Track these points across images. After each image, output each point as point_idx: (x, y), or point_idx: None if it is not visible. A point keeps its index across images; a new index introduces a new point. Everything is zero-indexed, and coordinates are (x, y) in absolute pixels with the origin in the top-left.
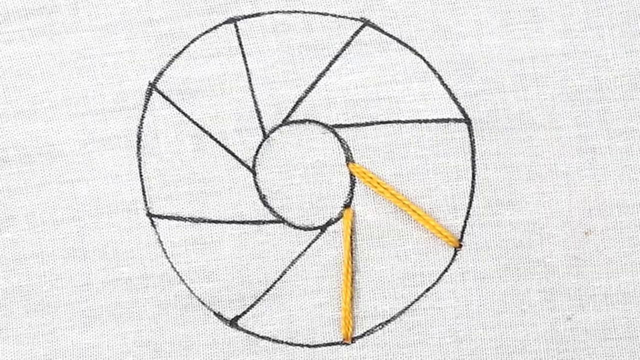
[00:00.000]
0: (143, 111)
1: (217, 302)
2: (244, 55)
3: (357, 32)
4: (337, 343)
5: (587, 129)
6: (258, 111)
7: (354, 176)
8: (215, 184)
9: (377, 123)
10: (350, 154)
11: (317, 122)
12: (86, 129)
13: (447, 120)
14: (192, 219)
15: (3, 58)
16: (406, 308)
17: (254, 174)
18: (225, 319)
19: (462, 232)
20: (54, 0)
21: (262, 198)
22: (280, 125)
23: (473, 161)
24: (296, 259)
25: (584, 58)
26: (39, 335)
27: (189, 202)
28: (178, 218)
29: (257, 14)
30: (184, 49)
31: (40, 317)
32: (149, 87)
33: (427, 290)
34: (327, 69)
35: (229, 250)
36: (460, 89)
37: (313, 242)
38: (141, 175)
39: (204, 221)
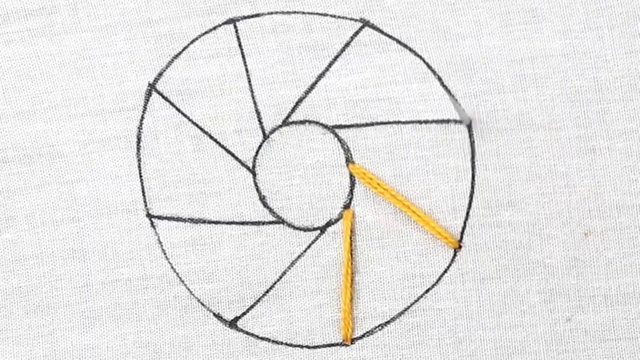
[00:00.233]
0: (143, 112)
1: (217, 303)
2: (243, 56)
3: (356, 33)
4: (337, 344)
5: (587, 129)
6: (258, 112)
7: (354, 177)
8: (215, 185)
9: (377, 124)
10: (350, 154)
11: (316, 122)
12: (86, 129)
13: (447, 121)
14: (191, 220)
15: (3, 59)
16: (406, 309)
17: (254, 174)
18: (224, 320)
19: (462, 233)
20: (53, 1)
21: (262, 199)
22: (280, 126)
23: (473, 162)
24: (296, 259)
25: (584, 59)
26: (39, 336)
27: (189, 203)
28: (178, 219)
29: (257, 15)
30: (183, 50)
31: (40, 318)
32: (149, 88)
33: (427, 291)
34: (326, 69)
35: (229, 251)
36: (460, 89)
37: (313, 243)
38: (141, 176)
39: (204, 222)
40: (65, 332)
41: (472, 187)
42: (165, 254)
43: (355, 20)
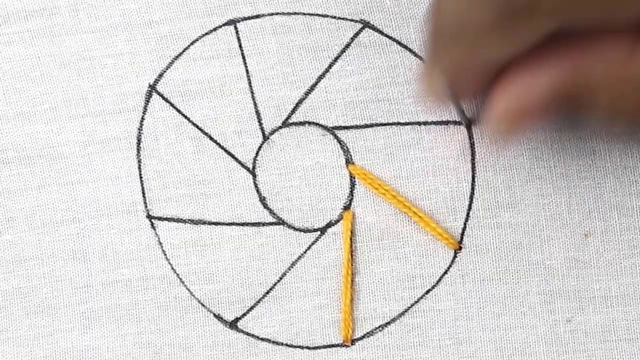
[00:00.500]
0: (143, 113)
1: (217, 303)
2: (243, 57)
3: (356, 34)
4: (337, 345)
5: (587, 130)
6: (258, 113)
7: (354, 178)
8: (215, 186)
9: (377, 125)
10: (350, 155)
11: (316, 123)
12: (86, 130)
13: (446, 123)
14: (192, 221)
15: (3, 60)
16: (406, 310)
17: (254, 175)
18: (225, 320)
19: (462, 234)
20: (54, 1)
21: (262, 200)
22: (280, 127)
23: (473, 163)
24: (296, 260)
25: None
26: (39, 337)
27: (189, 204)
28: (178, 220)
29: (257, 16)
30: (183, 51)
31: (40, 319)
32: (149, 89)
33: (427, 292)
34: (326, 70)
35: (229, 252)
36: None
37: (313, 244)
38: (141, 177)
39: (204, 223)
40: (65, 333)
41: (472, 188)
42: (165, 254)
43: (356, 21)
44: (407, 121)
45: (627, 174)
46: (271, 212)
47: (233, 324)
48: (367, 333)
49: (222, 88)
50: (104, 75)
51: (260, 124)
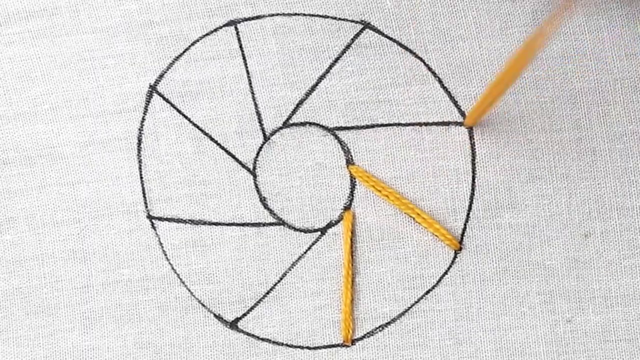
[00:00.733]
0: (143, 113)
1: (218, 304)
2: (244, 58)
3: (357, 35)
4: (337, 345)
5: (587, 131)
6: (258, 113)
7: (354, 178)
8: (215, 186)
9: (377, 126)
10: (351, 156)
11: (317, 124)
12: (86, 131)
13: (447, 124)
14: (192, 221)
15: (3, 60)
16: (406, 310)
17: (255, 176)
18: (225, 321)
19: (462, 234)
20: (54, 2)
21: (263, 200)
22: (281, 128)
23: (473, 164)
24: (296, 261)
25: (584, 61)
26: (39, 337)
27: (189, 204)
28: (178, 220)
29: (258, 17)
30: (184, 52)
31: (40, 319)
32: (150, 90)
33: (427, 292)
34: (327, 71)
35: (229, 253)
36: (460, 91)
37: (313, 244)
38: (141, 178)
39: (204, 223)
40: (65, 333)
41: (473, 189)
42: (165, 255)
43: (356, 22)
44: (408, 122)
45: (627, 175)
46: (272, 212)
47: (233, 324)
48: (368, 333)
49: (222, 89)
50: (104, 75)
51: (261, 125)
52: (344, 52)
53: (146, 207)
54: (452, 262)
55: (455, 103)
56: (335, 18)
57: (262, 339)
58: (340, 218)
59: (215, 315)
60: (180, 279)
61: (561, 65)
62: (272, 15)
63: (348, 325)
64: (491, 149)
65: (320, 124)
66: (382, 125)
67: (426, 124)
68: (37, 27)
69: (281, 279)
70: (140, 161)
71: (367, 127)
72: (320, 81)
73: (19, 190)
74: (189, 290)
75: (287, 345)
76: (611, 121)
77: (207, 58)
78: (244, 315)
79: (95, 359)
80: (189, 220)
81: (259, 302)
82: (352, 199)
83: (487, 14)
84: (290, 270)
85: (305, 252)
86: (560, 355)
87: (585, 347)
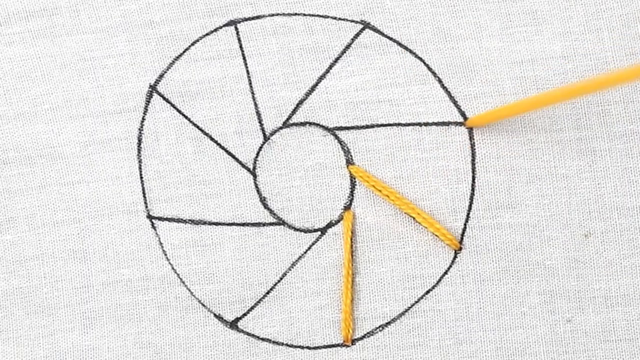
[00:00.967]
0: (143, 113)
1: (218, 304)
2: (244, 58)
3: (357, 35)
4: (337, 345)
5: (587, 131)
6: (258, 113)
7: (354, 178)
8: (215, 186)
9: (377, 126)
10: (351, 156)
11: (317, 124)
12: (87, 131)
13: (447, 124)
14: (192, 221)
15: (3, 60)
16: (406, 310)
17: (255, 176)
18: (225, 320)
19: (462, 234)
20: (54, 2)
21: (263, 200)
22: (281, 128)
23: (473, 164)
24: (296, 261)
25: (584, 61)
26: (39, 337)
27: (190, 204)
28: (178, 220)
29: (258, 17)
30: (184, 52)
31: (41, 319)
32: (150, 90)
33: (427, 292)
34: (327, 71)
35: (230, 252)
36: (460, 91)
37: (313, 244)
38: (142, 178)
39: (205, 223)
40: (65, 333)
41: (473, 189)
42: (165, 255)
43: (356, 22)
44: (408, 122)
45: (627, 174)
46: (272, 212)
47: (233, 324)
48: (368, 333)
49: (222, 89)
50: (104, 75)
51: (261, 125)
52: (344, 52)
53: (146, 207)
54: (452, 262)
55: (455, 103)
56: (335, 18)
57: (262, 339)
58: (341, 218)
59: (215, 315)
60: (180, 279)
61: (561, 65)
62: (272, 15)
63: (348, 325)
64: (491, 149)
65: (320, 124)
66: (382, 125)
67: (426, 124)
68: (37, 27)
69: (281, 279)
70: (140, 161)
71: (367, 127)
72: (320, 81)
73: (19, 190)
74: (189, 290)
75: (287, 345)
76: (611, 121)
77: (207, 58)
78: (244, 315)
79: (95, 358)
80: (189, 220)
81: (259, 302)
82: (352, 199)
83: (487, 13)
84: (290, 270)
85: (305, 252)
86: (560, 355)
87: (585, 347)
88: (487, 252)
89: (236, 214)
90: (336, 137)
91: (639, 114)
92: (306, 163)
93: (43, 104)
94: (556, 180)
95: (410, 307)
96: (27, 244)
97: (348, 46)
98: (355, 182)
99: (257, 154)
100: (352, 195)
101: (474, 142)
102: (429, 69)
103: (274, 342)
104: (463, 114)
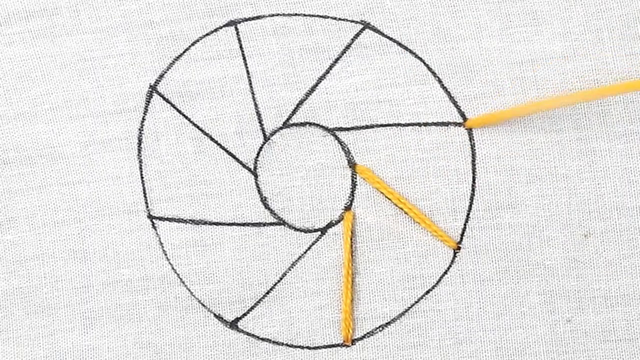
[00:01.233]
0: (144, 113)
1: (218, 304)
2: (244, 58)
3: (357, 35)
4: (337, 345)
5: (587, 131)
6: (258, 114)
7: (355, 179)
8: (216, 186)
9: (377, 126)
10: (352, 156)
11: (317, 124)
12: (87, 131)
13: (447, 124)
14: (192, 221)
15: (4, 60)
16: (406, 310)
17: (255, 176)
18: (225, 320)
19: (462, 234)
20: (54, 2)
21: (263, 200)
22: (281, 128)
23: (473, 164)
24: (296, 261)
25: (584, 61)
26: (39, 337)
27: (190, 204)
28: (179, 220)
29: (258, 17)
30: (184, 52)
31: (41, 319)
32: (150, 90)
33: (427, 292)
34: (327, 71)
35: (230, 252)
36: (460, 92)
37: (313, 244)
38: (142, 177)
39: (205, 223)
40: (65, 333)
41: (473, 189)
42: (166, 255)
43: (356, 22)
44: (408, 122)
45: (627, 174)
46: (272, 212)
47: (233, 324)
48: (368, 333)
49: (222, 89)
50: (104, 75)
51: (261, 125)
52: (344, 52)
53: (146, 206)
54: (452, 262)
55: (455, 103)
56: (335, 18)
57: (262, 339)
58: (341, 218)
59: (215, 315)
60: (180, 279)
61: (561, 65)
62: (272, 15)
63: (348, 325)
64: (491, 149)
65: (320, 124)
66: (382, 125)
67: (426, 124)
68: (37, 27)
69: (281, 278)
70: (140, 161)
71: (367, 127)
72: (320, 81)
73: (19, 190)
74: (189, 290)
75: (287, 345)
76: (611, 121)
77: (207, 58)
78: (244, 315)
79: (95, 358)
80: (190, 220)
81: (259, 302)
82: (353, 199)
83: (487, 13)
84: (290, 270)
85: (305, 252)
86: (560, 355)
87: (585, 347)
88: (487, 252)
89: (236, 213)
90: (336, 137)
91: (639, 114)
92: (307, 163)
93: (43, 104)
94: (556, 180)
95: (410, 307)
96: (27, 244)
97: (348, 46)
98: (355, 182)
99: (258, 154)
100: (353, 196)
101: (474, 143)
102: (429, 69)
103: (274, 342)
104: (463, 114)
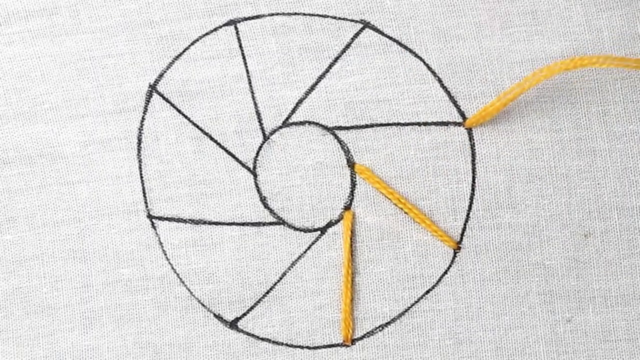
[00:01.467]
0: (143, 113)
1: (217, 303)
2: (244, 57)
3: (357, 34)
4: (337, 345)
5: (587, 131)
6: (258, 113)
7: (355, 178)
8: (215, 186)
9: (377, 125)
10: (351, 155)
11: (317, 124)
12: (86, 130)
13: (446, 124)
14: (192, 221)
15: (3, 60)
16: (406, 310)
17: (255, 175)
18: (225, 320)
19: (462, 234)
20: (54, 2)
21: (263, 200)
22: (280, 127)
23: (473, 164)
24: (296, 260)
25: None
26: (39, 337)
27: (190, 204)
28: (178, 220)
29: (257, 16)
30: (184, 51)
31: (40, 319)
32: (149, 89)
33: (427, 292)
34: (327, 71)
35: (229, 252)
36: (460, 91)
37: (313, 243)
38: (142, 177)
39: (204, 223)
40: (65, 333)
41: (473, 189)
42: (165, 254)
43: (356, 21)
44: (407, 122)
45: (627, 174)
46: (272, 211)
47: (233, 324)
48: (367, 333)
49: (222, 88)
50: (104, 75)
51: (261, 124)
52: (343, 51)
53: (146, 206)
54: (452, 261)
55: (455, 103)
56: (335, 17)
57: (262, 339)
58: (341, 217)
59: (215, 314)
60: (180, 279)
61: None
62: (272, 14)
63: (348, 325)
64: (491, 149)
65: (320, 123)
66: (382, 125)
67: (426, 124)
68: (37, 27)
69: (281, 278)
70: (140, 161)
71: (367, 126)
72: (320, 80)
73: (19, 190)
74: (189, 290)
75: (287, 345)
76: (611, 121)
77: (207, 57)
78: (244, 315)
79: (95, 358)
80: (189, 219)
81: (258, 301)
82: (353, 198)
83: (487, 14)
84: (290, 269)
85: (305, 252)
86: (560, 355)
87: (585, 347)
88: (487, 252)
89: (236, 213)
90: (336, 136)
91: (639, 114)
92: (306, 162)
93: (43, 104)
94: (556, 180)
95: (410, 307)
96: (27, 244)
97: (348, 46)
98: (355, 181)
99: (257, 153)
100: (352, 195)
101: (473, 142)
102: (429, 68)
103: (274, 342)
104: (463, 114)
